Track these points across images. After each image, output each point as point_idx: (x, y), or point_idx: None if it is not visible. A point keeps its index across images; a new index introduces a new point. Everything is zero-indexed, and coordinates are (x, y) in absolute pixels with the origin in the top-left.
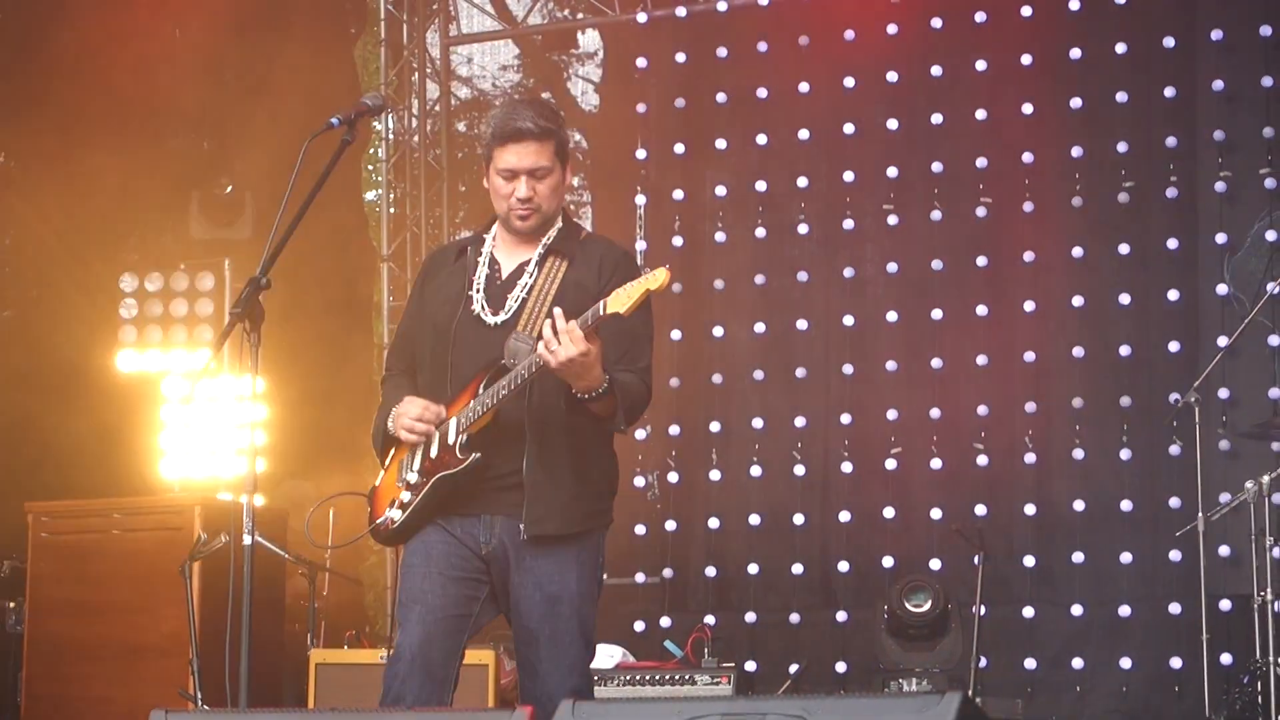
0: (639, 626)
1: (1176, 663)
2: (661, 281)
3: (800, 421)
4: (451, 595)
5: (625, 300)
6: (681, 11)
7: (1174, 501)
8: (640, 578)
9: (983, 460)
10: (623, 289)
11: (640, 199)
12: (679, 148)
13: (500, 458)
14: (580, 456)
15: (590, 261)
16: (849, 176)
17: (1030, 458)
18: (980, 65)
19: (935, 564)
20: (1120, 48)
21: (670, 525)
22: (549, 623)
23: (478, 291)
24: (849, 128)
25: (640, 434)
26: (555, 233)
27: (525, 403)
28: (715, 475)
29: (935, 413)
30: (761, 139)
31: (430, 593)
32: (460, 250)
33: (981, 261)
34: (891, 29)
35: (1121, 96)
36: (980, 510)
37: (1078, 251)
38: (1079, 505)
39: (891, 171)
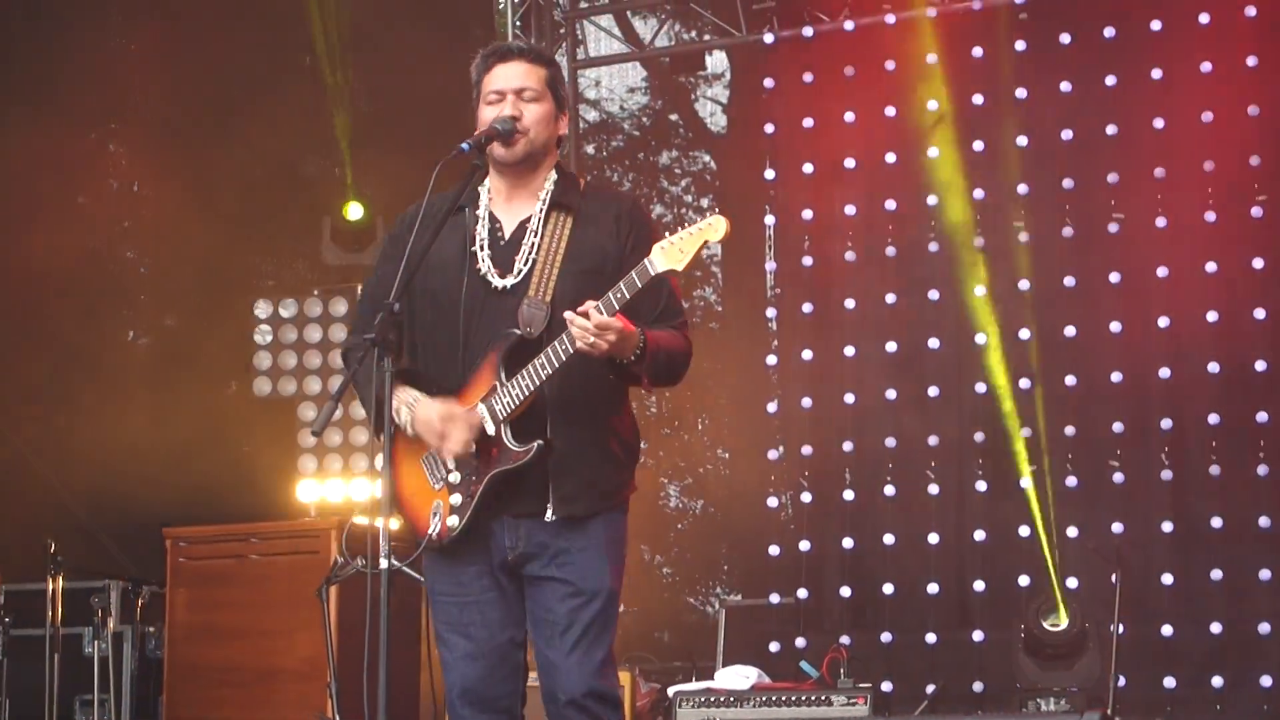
0: (774, 647)
1: None
2: (723, 232)
3: (933, 440)
4: (495, 619)
5: (679, 255)
6: (808, 31)
7: None
8: (775, 598)
9: (1119, 478)
10: (671, 242)
11: (769, 219)
12: (808, 167)
13: (518, 440)
14: (602, 424)
15: (600, 218)
16: (979, 194)
17: (1167, 474)
18: (1110, 80)
19: (1072, 582)
20: (1251, 60)
21: (804, 545)
22: (579, 619)
23: (482, 249)
24: (978, 145)
25: (773, 454)
26: (553, 184)
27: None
28: (849, 495)
29: (1070, 430)
30: (890, 157)
31: (472, 624)
32: (453, 205)
33: (1114, 278)
34: (1020, 45)
35: (1253, 110)
36: (1117, 528)
37: (1211, 266)
38: (1216, 522)
39: (1022, 188)
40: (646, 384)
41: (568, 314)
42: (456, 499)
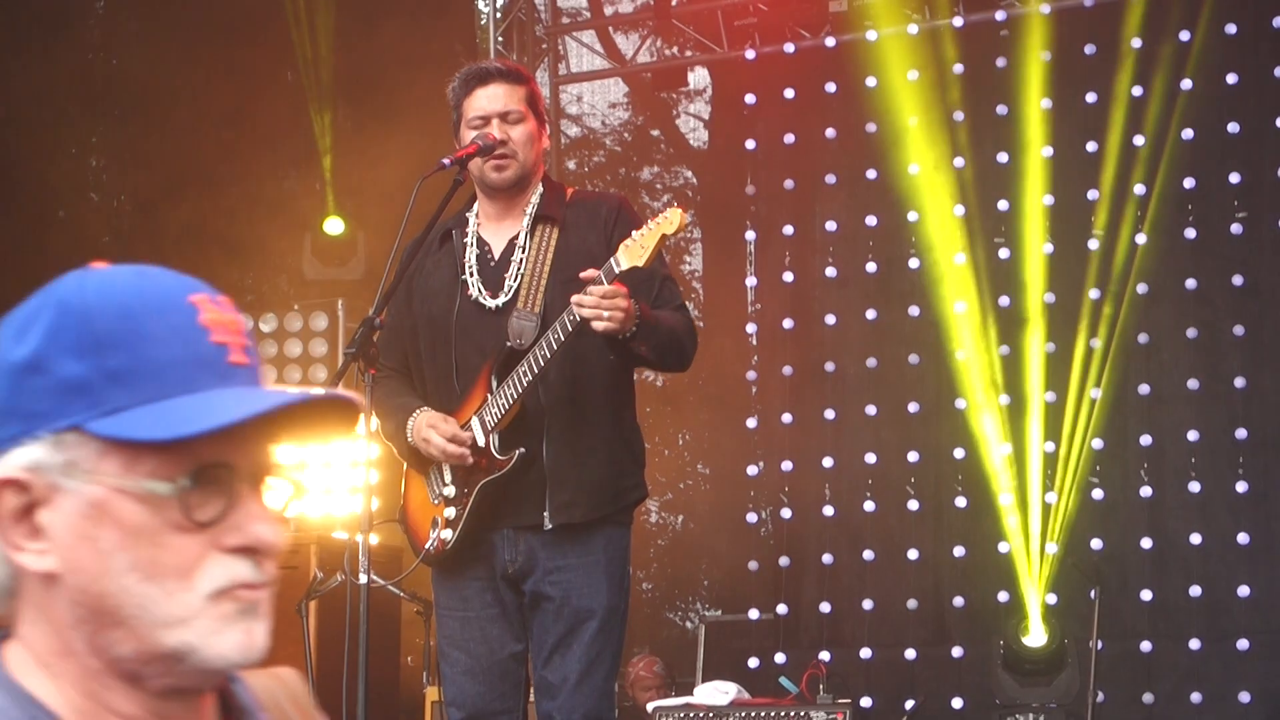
0: (753, 663)
1: None
2: (677, 224)
3: (913, 456)
4: (495, 635)
5: (640, 251)
6: (790, 47)
7: None
8: (754, 614)
9: (1098, 494)
10: (632, 240)
11: (750, 235)
12: (788, 183)
13: (505, 450)
14: (601, 429)
15: (587, 223)
16: (960, 210)
17: (1146, 491)
18: (1090, 97)
19: (1051, 599)
20: (1231, 78)
21: (783, 561)
22: (576, 639)
23: (472, 275)
24: (959, 161)
25: (753, 470)
26: (538, 198)
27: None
28: (828, 510)
29: (1049, 446)
30: (871, 173)
31: (473, 640)
32: (444, 235)
33: (1094, 294)
34: (1000, 62)
35: (1232, 128)
36: (1096, 544)
37: (1191, 283)
38: (1195, 539)
39: (1002, 205)
40: (653, 362)
41: (576, 297)
42: (451, 512)
